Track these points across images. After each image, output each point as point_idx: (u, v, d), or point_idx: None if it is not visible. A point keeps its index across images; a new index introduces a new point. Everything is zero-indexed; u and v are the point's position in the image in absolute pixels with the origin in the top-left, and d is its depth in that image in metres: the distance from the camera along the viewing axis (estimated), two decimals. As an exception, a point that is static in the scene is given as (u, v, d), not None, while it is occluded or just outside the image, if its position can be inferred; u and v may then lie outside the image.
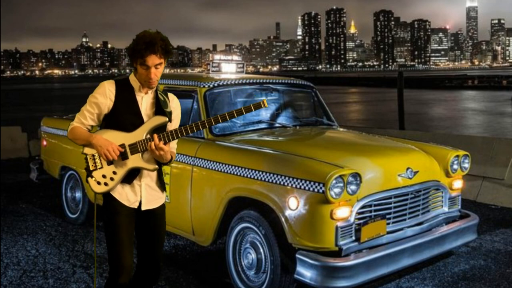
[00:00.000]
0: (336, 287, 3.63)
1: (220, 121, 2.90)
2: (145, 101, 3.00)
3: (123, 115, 2.94)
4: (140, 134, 2.92)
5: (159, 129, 2.96)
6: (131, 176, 2.97)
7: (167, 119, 2.99)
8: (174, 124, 3.10)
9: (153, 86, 2.97)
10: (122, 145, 2.90)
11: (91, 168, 2.94)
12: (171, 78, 5.18)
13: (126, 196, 2.99)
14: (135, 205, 3.02)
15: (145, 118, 2.97)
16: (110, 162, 2.92)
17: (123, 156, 2.91)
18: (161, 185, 3.11)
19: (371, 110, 28.97)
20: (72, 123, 3.00)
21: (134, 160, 2.93)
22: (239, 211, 4.13)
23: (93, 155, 2.94)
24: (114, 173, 2.93)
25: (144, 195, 3.02)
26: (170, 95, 3.13)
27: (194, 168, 4.46)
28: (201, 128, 2.91)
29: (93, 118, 2.98)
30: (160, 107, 3.00)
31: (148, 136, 2.92)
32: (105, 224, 3.00)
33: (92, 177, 2.94)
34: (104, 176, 2.92)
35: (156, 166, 2.99)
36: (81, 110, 3.00)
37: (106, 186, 2.93)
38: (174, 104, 3.12)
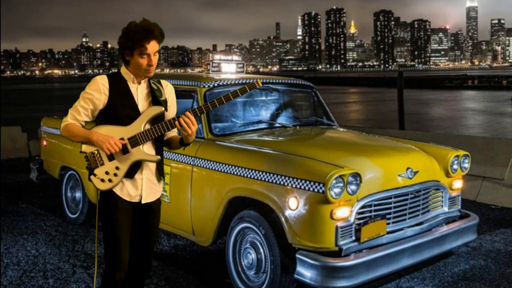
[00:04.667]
0: (336, 287, 3.63)
1: (217, 104, 2.88)
2: (140, 92, 2.98)
3: (119, 109, 2.91)
4: (137, 126, 2.91)
5: (156, 119, 2.94)
6: (133, 170, 2.95)
7: (163, 108, 2.98)
8: (171, 111, 3.09)
9: (152, 74, 2.96)
10: (121, 140, 2.88)
11: (93, 166, 2.92)
12: (171, 78, 5.18)
13: (127, 191, 2.97)
14: (137, 199, 3.00)
15: (141, 109, 2.95)
16: (111, 158, 2.90)
17: (124, 151, 2.89)
18: (160, 177, 3.09)
19: (371, 110, 28.96)
20: (65, 119, 2.94)
21: (136, 153, 2.91)
22: (239, 211, 4.13)
23: (92, 153, 2.91)
24: (117, 168, 2.91)
25: (145, 188, 3.01)
26: (163, 82, 3.11)
27: (194, 168, 4.46)
28: (204, 111, 2.93)
29: (88, 114, 2.94)
30: (155, 97, 2.99)
31: (147, 127, 2.91)
32: (102, 220, 2.99)
33: (95, 175, 2.92)
34: (107, 173, 2.90)
35: (159, 157, 2.98)
36: (73, 105, 2.94)
37: (110, 182, 2.92)
38: (168, 90, 3.10)
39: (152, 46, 2.87)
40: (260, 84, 2.90)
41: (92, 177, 2.93)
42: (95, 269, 3.37)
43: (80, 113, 2.93)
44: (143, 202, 3.01)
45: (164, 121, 2.91)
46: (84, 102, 2.93)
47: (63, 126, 2.94)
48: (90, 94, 2.91)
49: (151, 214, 3.09)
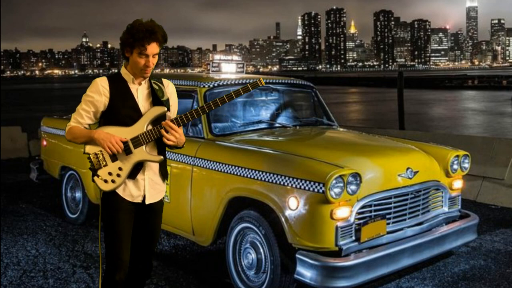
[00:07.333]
0: (336, 287, 3.63)
1: (219, 104, 2.89)
2: (140, 92, 2.98)
3: (120, 110, 2.92)
4: (140, 127, 2.91)
5: (159, 120, 2.94)
6: (135, 171, 2.95)
7: (166, 108, 2.98)
8: (173, 110, 3.09)
9: (148, 75, 2.96)
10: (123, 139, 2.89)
11: (96, 167, 2.93)
12: (171, 78, 5.16)
13: (130, 191, 2.97)
14: (139, 200, 3.00)
15: (142, 110, 2.95)
16: (114, 159, 2.90)
17: (127, 151, 2.90)
18: (163, 177, 3.09)
19: (371, 110, 28.97)
20: (69, 124, 2.97)
21: (139, 154, 2.91)
22: (239, 211, 4.13)
23: (95, 154, 2.91)
24: (120, 169, 2.91)
25: (148, 189, 3.01)
26: (165, 81, 3.11)
27: (194, 168, 4.46)
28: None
29: (90, 116, 2.95)
30: (156, 97, 2.99)
31: (150, 127, 2.92)
32: (104, 220, 2.99)
33: (98, 176, 2.92)
34: (110, 174, 2.91)
35: (162, 157, 2.98)
36: (76, 110, 2.97)
37: (114, 183, 2.92)
38: (170, 89, 3.10)
39: (152, 48, 2.87)
40: (263, 83, 2.90)
41: (95, 178, 2.94)
42: (100, 271, 3.37)
43: (82, 116, 2.95)
44: (146, 202, 3.02)
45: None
46: (85, 105, 2.94)
47: (67, 130, 2.97)
48: (91, 96, 2.93)
49: (153, 215, 3.09)
